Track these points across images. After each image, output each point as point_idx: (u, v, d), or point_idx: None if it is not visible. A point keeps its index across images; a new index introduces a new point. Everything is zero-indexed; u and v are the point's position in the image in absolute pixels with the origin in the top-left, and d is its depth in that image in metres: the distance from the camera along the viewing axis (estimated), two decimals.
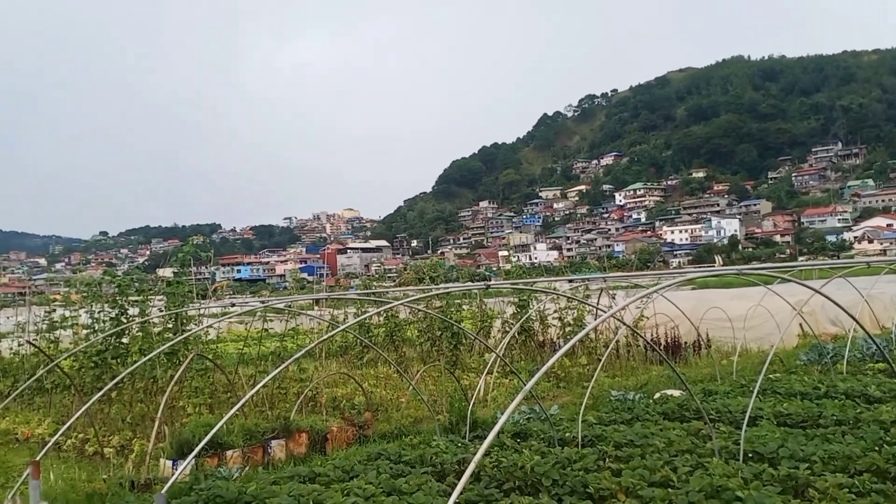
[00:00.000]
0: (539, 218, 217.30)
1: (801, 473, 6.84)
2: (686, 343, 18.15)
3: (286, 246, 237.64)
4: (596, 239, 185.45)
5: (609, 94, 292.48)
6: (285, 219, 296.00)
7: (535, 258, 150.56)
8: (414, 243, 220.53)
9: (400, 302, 10.59)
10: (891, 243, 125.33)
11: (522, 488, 7.33)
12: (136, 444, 10.48)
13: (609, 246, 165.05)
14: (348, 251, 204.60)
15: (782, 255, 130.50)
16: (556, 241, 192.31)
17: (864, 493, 6.26)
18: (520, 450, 8.56)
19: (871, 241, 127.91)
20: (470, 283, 7.25)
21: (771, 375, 13.42)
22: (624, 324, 9.41)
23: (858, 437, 8.12)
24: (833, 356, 14.59)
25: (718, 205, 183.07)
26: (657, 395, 12.21)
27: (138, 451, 10.14)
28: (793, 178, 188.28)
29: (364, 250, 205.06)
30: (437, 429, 10.32)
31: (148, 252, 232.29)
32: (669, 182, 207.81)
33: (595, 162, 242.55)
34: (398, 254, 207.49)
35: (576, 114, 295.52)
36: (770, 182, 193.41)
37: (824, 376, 12.74)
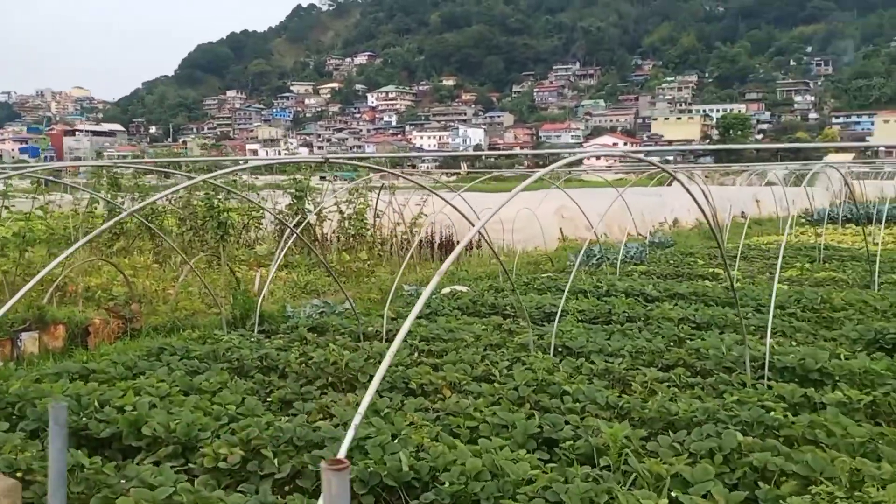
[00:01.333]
0: (290, 113, 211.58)
1: (616, 367, 6.87)
2: (459, 242, 18.26)
3: (3, 123, 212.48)
4: (347, 139, 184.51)
5: None
6: (3, 93, 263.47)
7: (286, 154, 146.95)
8: (152, 130, 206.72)
9: (204, 177, 9.33)
10: (615, 160, 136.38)
11: (336, 385, 6.76)
12: None
13: (360, 147, 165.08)
14: (77, 133, 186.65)
15: (520, 166, 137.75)
16: (307, 137, 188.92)
17: (682, 387, 6.38)
18: (323, 345, 7.96)
19: (598, 158, 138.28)
20: (308, 157, 6.34)
21: (548, 274, 13.78)
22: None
23: (655, 333, 8.39)
24: (599, 258, 15.30)
25: (466, 114, 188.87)
26: (445, 291, 12.05)
27: None
28: (534, 94, 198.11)
29: (96, 133, 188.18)
30: (222, 322, 9.39)
31: None
32: (421, 87, 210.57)
33: (349, 60, 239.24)
34: (134, 140, 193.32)
35: (331, 8, 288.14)
36: (514, 95, 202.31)
37: (598, 277, 13.26)
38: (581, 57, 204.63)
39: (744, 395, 5.90)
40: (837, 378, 6.43)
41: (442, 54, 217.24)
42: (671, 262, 15.60)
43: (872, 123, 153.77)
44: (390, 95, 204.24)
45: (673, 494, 4.18)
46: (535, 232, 20.05)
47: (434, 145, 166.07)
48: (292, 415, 5.81)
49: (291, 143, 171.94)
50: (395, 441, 4.92)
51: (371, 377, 6.60)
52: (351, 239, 15.96)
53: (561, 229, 20.73)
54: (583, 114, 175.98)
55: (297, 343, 8.13)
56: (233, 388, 6.28)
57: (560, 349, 7.74)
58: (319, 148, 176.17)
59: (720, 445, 4.73)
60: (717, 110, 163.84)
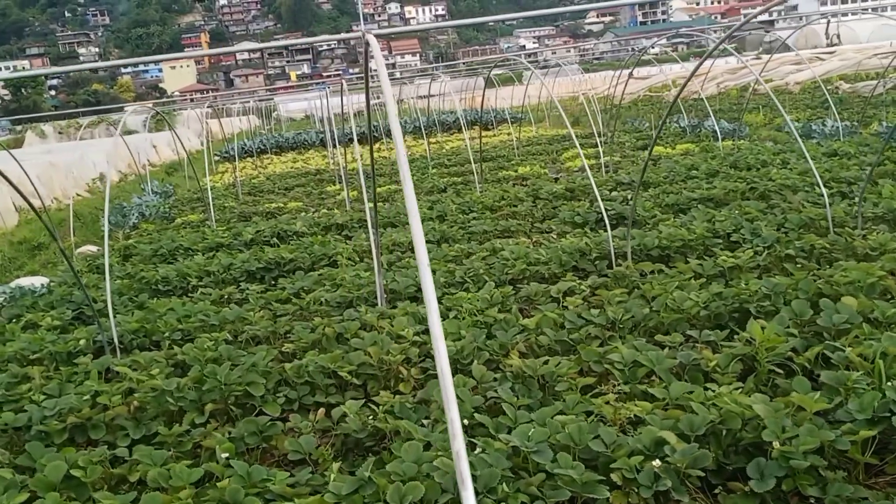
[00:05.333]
0: None
1: (503, 296, 5.93)
2: None
3: None
4: None
5: None
6: None
7: None
8: None
9: None
10: None
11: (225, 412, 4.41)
12: None
13: None
14: None
15: None
16: None
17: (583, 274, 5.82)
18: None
19: None
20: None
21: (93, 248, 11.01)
22: None
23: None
24: (136, 216, 12.96)
25: None
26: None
27: None
28: None
29: None
30: None
31: None
32: None
33: None
34: None
35: None
36: None
37: (200, 232, 11.13)
38: None
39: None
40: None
41: None
42: (224, 206, 13.78)
43: (160, 70, 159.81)
44: None
45: None
46: None
47: None
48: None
49: None
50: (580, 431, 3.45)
51: (264, 386, 4.62)
52: None
53: (12, 199, 16.79)
54: None
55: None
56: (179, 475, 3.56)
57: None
58: None
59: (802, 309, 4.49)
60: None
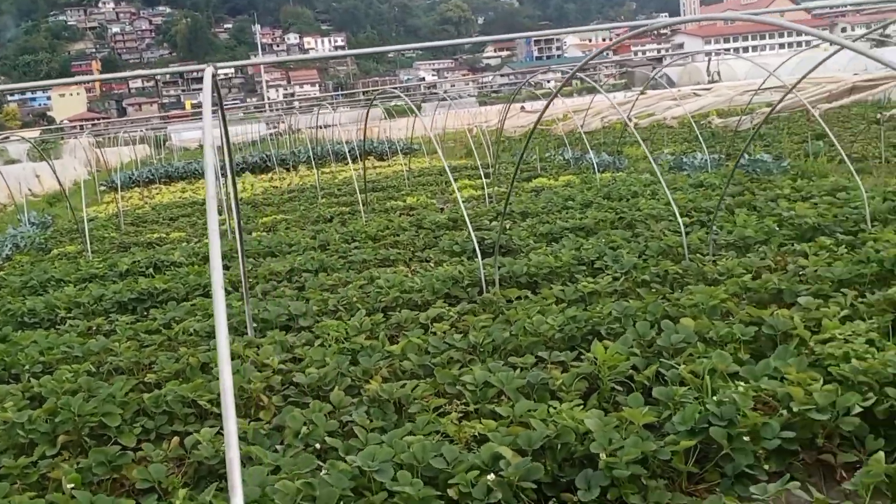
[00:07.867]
0: None
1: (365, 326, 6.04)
2: None
3: None
4: None
5: None
6: None
7: None
8: None
9: None
10: None
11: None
12: None
13: None
14: None
15: None
16: None
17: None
18: None
19: None
20: None
21: None
22: None
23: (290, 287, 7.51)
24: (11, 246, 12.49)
25: None
26: None
27: None
28: None
29: None
30: None
31: None
32: None
33: None
34: None
35: None
36: None
37: (76, 264, 10.85)
38: None
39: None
40: None
41: None
42: (104, 237, 13.44)
43: (49, 98, 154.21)
44: None
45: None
46: None
47: None
48: None
49: None
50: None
51: None
52: None
53: None
54: None
55: None
56: None
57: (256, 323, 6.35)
58: None
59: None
60: None
